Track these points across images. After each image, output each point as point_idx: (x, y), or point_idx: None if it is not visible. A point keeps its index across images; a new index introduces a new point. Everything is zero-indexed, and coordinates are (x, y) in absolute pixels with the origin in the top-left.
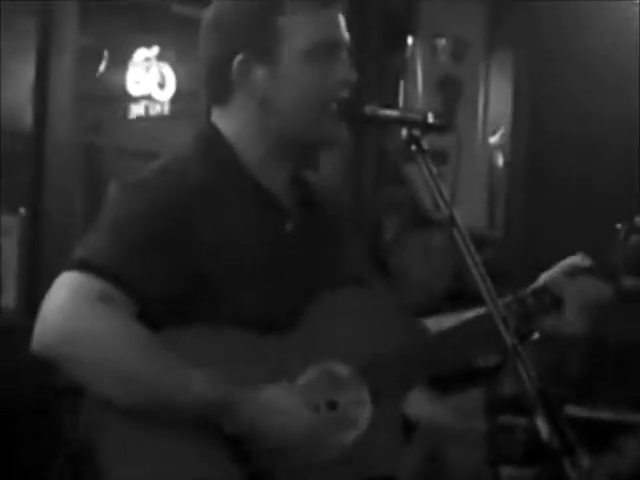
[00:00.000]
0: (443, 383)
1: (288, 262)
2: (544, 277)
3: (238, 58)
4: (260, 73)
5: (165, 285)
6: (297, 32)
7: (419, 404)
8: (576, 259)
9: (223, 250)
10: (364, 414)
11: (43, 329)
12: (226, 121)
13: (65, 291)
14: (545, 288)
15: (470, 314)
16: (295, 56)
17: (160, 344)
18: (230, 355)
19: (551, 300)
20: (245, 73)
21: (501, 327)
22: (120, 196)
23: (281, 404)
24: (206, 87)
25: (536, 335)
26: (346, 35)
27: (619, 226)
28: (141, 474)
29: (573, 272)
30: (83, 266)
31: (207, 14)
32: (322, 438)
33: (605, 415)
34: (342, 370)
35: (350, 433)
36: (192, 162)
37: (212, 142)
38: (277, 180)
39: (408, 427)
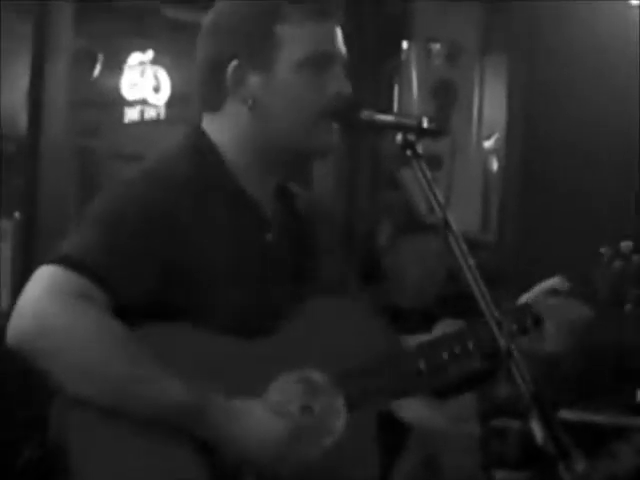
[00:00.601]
0: (436, 387)
1: (267, 270)
2: (524, 298)
3: (233, 63)
4: (254, 80)
5: (144, 284)
6: (294, 41)
7: (413, 409)
8: (555, 281)
9: (204, 252)
10: (339, 421)
11: (18, 322)
12: (217, 127)
13: (42, 285)
14: (527, 306)
15: (448, 329)
16: (290, 65)
17: (135, 342)
18: (207, 355)
19: (531, 319)
20: (239, 79)
21: (495, 330)
22: (105, 195)
23: (255, 414)
24: (200, 92)
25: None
26: (343, 49)
27: (603, 250)
28: (111, 474)
29: (553, 294)
30: (62, 261)
31: (207, 18)
32: (293, 452)
33: (599, 419)
34: (318, 377)
35: (325, 440)
36: (178, 164)
37: (199, 146)
38: (262, 189)
39: (403, 431)
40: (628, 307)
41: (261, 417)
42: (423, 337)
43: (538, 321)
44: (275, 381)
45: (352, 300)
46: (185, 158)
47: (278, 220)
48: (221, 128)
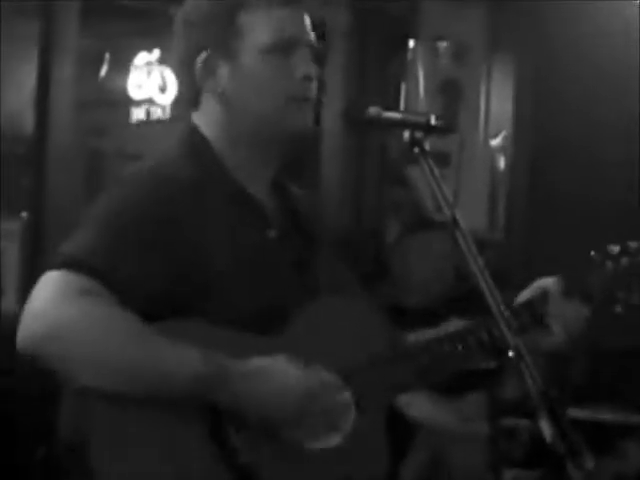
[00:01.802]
0: (444, 387)
1: (271, 267)
2: (521, 297)
3: (202, 56)
4: (222, 70)
5: (149, 284)
6: (256, 28)
7: (421, 407)
8: (551, 281)
9: (208, 250)
10: (347, 418)
11: (27, 326)
12: (203, 123)
13: (48, 288)
14: (529, 304)
15: (459, 325)
16: (254, 52)
17: (146, 327)
18: (218, 351)
19: (532, 317)
20: (209, 71)
21: (504, 328)
22: (106, 195)
23: (274, 369)
24: (179, 90)
25: (511, 353)
26: (309, 32)
27: (593, 253)
28: (131, 467)
29: (551, 293)
30: (67, 263)
31: (177, 17)
32: (313, 403)
33: (607, 417)
34: (326, 375)
35: (334, 437)
36: (178, 163)
37: (195, 144)
38: (259, 185)
39: (411, 430)
40: (618, 309)
41: (281, 377)
42: (429, 332)
43: (539, 319)
44: None
45: (355, 297)
46: (184, 156)
47: (278, 216)
48: (206, 124)
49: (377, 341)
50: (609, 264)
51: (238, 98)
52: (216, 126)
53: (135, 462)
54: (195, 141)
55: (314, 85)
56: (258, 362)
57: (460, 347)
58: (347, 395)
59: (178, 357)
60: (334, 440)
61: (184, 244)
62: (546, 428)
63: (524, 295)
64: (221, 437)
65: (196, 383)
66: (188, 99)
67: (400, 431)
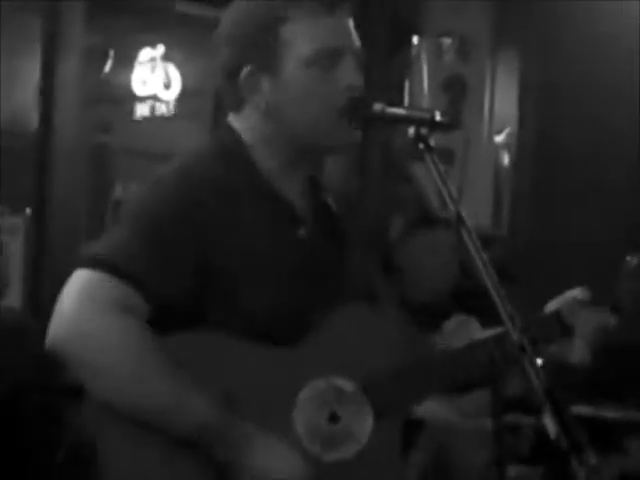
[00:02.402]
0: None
1: (301, 266)
2: (549, 307)
3: (245, 70)
4: (267, 84)
5: (181, 286)
6: (299, 40)
7: (425, 404)
8: (578, 292)
9: (238, 252)
10: (366, 429)
11: (54, 326)
12: (240, 127)
13: (78, 289)
14: (557, 315)
15: (479, 335)
16: (297, 64)
17: (165, 357)
18: (239, 364)
19: (560, 328)
20: (253, 85)
21: (508, 325)
22: (139, 195)
23: (277, 449)
24: (220, 95)
25: (539, 361)
26: (354, 40)
27: (629, 258)
28: (140, 474)
29: (579, 303)
30: (98, 264)
31: (219, 27)
32: None
33: (611, 414)
34: (346, 385)
35: (351, 447)
36: (211, 163)
37: (230, 145)
38: (291, 185)
39: (414, 426)
40: None
41: (284, 454)
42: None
43: (566, 330)
44: (304, 389)
45: (382, 303)
46: (217, 158)
47: (310, 215)
48: (245, 128)
49: (401, 351)
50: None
51: (283, 111)
52: (255, 133)
53: (144, 466)
54: (229, 141)
55: (360, 94)
56: (266, 436)
57: (484, 358)
58: (366, 405)
59: (192, 404)
60: (351, 451)
61: (214, 245)
62: (550, 425)
63: (553, 304)
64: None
65: (198, 432)
66: (230, 105)
67: (404, 428)
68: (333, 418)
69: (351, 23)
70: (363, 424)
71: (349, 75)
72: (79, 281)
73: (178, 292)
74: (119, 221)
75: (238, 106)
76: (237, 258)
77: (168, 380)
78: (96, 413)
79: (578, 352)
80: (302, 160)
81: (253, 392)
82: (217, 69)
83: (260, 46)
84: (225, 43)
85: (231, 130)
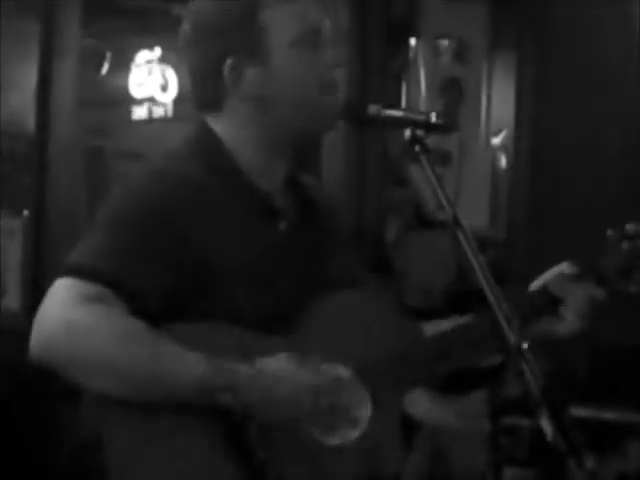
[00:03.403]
0: (446, 385)
1: (282, 261)
2: (535, 284)
3: (228, 62)
4: (252, 72)
5: (158, 285)
6: (280, 24)
7: (423, 405)
8: (564, 266)
9: (217, 249)
10: (365, 414)
11: (39, 334)
12: (221, 125)
13: (59, 297)
14: (545, 290)
15: (467, 318)
16: (283, 48)
17: (157, 333)
18: (230, 354)
19: (546, 302)
20: (237, 76)
21: (505, 326)
22: (112, 198)
23: (281, 373)
24: (195, 95)
25: (525, 345)
26: (326, 20)
27: (610, 232)
28: (147, 471)
29: (566, 277)
30: (76, 271)
31: (185, 26)
32: (326, 394)
33: (609, 416)
34: (342, 371)
35: (351, 433)
36: (185, 163)
37: (205, 142)
38: (272, 180)
39: (412, 428)
40: (633, 288)
41: (289, 379)
42: (442, 324)
43: (553, 303)
44: None
45: (371, 290)
46: (192, 155)
47: (290, 209)
48: (225, 126)
49: (393, 334)
50: (625, 244)
51: (277, 97)
52: (241, 127)
53: (150, 462)
54: (205, 140)
55: (338, 70)
56: (264, 364)
57: (478, 337)
58: (363, 389)
59: (182, 360)
60: (352, 435)
61: (192, 246)
62: (547, 426)
63: (540, 280)
64: (237, 435)
65: (200, 386)
66: (207, 105)
67: (401, 428)
68: (331, 405)
69: (320, 3)
70: (362, 409)
71: (329, 53)
72: (58, 289)
73: (155, 290)
74: (93, 227)
75: (216, 104)
76: (216, 254)
77: (161, 346)
78: (99, 411)
79: (567, 323)
80: (285, 154)
81: None
82: (193, 67)
83: (241, 36)
84: (200, 37)
85: (207, 128)
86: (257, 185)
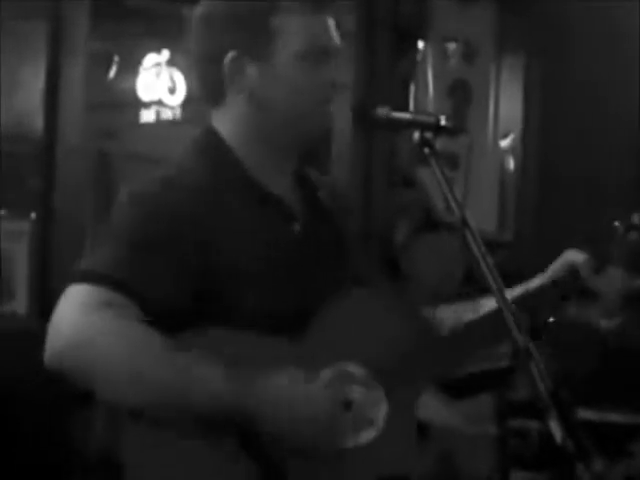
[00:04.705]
0: (455, 387)
1: (299, 262)
2: (547, 275)
3: (231, 54)
4: (252, 70)
5: (171, 292)
6: (291, 33)
7: (431, 408)
8: (578, 260)
9: (230, 254)
10: (381, 414)
11: (54, 342)
12: (223, 123)
13: (72, 303)
14: (575, 271)
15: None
16: (289, 56)
17: (173, 344)
18: (244, 358)
19: (576, 283)
20: (237, 70)
21: (513, 328)
22: (123, 207)
23: (293, 394)
24: (199, 87)
25: (551, 319)
26: (336, 40)
27: (617, 223)
28: (161, 474)
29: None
30: (88, 277)
31: (197, 12)
32: (337, 424)
33: (617, 418)
34: (357, 371)
35: (368, 433)
36: (194, 169)
37: (212, 147)
38: (280, 180)
39: (420, 430)
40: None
41: (305, 396)
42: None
43: (582, 290)
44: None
45: (384, 290)
46: (200, 161)
47: (302, 209)
48: (227, 123)
49: (406, 333)
50: (633, 234)
51: (269, 99)
52: (239, 123)
53: (165, 466)
54: (210, 142)
55: (336, 89)
56: (275, 385)
57: (490, 334)
58: (379, 389)
59: (200, 373)
60: (369, 435)
61: (205, 253)
62: (556, 429)
63: (551, 270)
64: (251, 438)
65: (217, 405)
66: (210, 96)
67: None
68: (347, 405)
69: (332, 21)
70: (378, 408)
71: (333, 72)
72: (71, 296)
73: (168, 297)
74: (104, 233)
75: (219, 97)
76: (230, 260)
77: (177, 358)
78: (116, 418)
79: (608, 314)
80: (287, 153)
81: None
82: (196, 57)
83: (249, 33)
84: (208, 27)
85: (212, 131)
86: (269, 189)
